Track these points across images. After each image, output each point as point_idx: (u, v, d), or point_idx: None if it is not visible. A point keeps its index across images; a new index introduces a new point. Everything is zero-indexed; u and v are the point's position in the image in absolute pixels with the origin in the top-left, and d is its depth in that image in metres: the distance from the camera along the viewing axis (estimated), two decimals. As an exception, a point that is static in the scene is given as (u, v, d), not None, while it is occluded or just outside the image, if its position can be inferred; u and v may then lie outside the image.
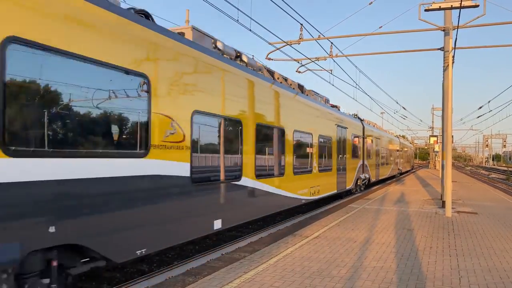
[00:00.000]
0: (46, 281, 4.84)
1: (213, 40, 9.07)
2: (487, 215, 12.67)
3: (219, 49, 9.15)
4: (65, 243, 4.90)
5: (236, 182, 8.83)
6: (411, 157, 58.08)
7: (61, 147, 4.91)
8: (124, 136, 5.97)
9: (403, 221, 11.18)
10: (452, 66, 13.44)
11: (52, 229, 4.69)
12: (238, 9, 10.52)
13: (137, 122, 6.05)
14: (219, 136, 8.37)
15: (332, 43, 17.42)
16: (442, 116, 15.94)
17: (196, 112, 7.44)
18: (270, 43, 16.90)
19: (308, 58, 18.25)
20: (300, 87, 14.57)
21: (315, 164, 14.06)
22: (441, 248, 8.01)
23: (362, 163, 21.61)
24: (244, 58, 10.15)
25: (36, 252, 4.61)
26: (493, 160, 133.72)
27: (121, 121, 5.90)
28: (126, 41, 5.90)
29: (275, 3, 10.90)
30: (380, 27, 17.08)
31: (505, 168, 79.09)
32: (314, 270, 6.34)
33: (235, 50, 9.84)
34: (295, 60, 18.27)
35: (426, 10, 13.77)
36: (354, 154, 19.96)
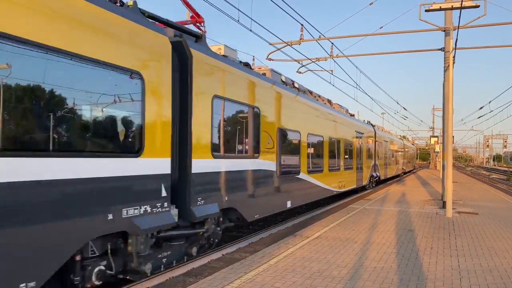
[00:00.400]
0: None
1: (282, 76, 12.36)
2: (488, 215, 12.66)
3: (283, 81, 12.31)
4: (228, 207, 8.39)
5: (297, 176, 12.24)
6: (413, 157, 62.48)
7: (231, 151, 8.70)
8: (251, 145, 9.50)
9: (403, 222, 11.18)
10: (453, 67, 13.44)
11: (225, 198, 8.28)
12: (238, 9, 10.54)
13: (256, 136, 9.65)
14: (289, 144, 11.82)
15: (332, 43, 17.43)
16: (442, 117, 15.95)
17: (279, 129, 10.96)
18: (270, 44, 16.91)
19: (309, 59, 18.26)
20: (329, 101, 17.57)
21: (342, 163, 17.31)
22: (441, 248, 8.01)
23: (374, 163, 24.96)
24: (296, 85, 13.47)
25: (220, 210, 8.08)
26: (493, 160, 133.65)
27: (250, 137, 9.46)
28: (250, 88, 9.54)
29: (275, 4, 10.92)
30: (380, 28, 17.12)
31: (506, 169, 79.04)
32: (315, 270, 6.35)
33: (291, 80, 13.15)
34: (295, 60, 18.29)
35: (426, 11, 13.78)
36: (368, 156, 23.27)
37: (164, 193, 6.47)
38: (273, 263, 6.76)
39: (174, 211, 6.80)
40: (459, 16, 11.71)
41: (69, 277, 5.30)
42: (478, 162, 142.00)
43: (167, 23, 7.40)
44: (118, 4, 5.99)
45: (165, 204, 6.51)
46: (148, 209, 6.14)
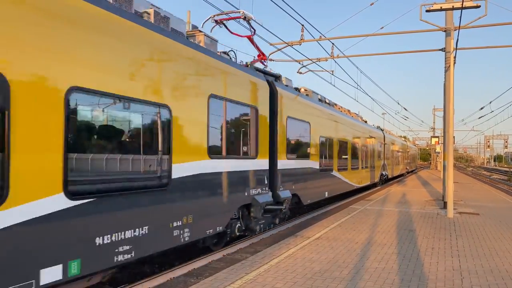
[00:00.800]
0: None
1: (318, 95, 15.62)
2: (489, 216, 12.65)
3: (319, 99, 15.62)
4: (294, 193, 11.55)
5: (331, 173, 15.63)
6: (415, 157, 67.74)
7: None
8: (306, 150, 12.94)
9: (404, 222, 11.17)
10: (454, 67, 13.43)
11: (293, 187, 11.40)
12: (239, 10, 10.53)
13: (308, 143, 13.15)
14: (326, 148, 15.10)
15: (333, 43, 17.43)
16: (443, 117, 15.93)
17: (320, 136, 14.30)
18: (271, 44, 16.91)
19: (309, 59, 18.26)
20: (349, 111, 20.97)
21: (360, 163, 20.90)
22: (442, 249, 8.00)
23: (383, 163, 28.57)
24: (327, 101, 16.70)
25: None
26: (494, 161, 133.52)
27: (305, 143, 12.98)
28: (306, 109, 13.07)
29: (276, 4, 10.92)
30: (381, 28, 17.11)
31: (507, 169, 78.94)
32: (316, 271, 6.34)
33: (324, 97, 16.32)
34: (296, 61, 18.29)
35: (427, 11, 13.77)
36: (379, 157, 26.82)
37: (266, 181, 10.10)
38: (274, 263, 6.75)
39: (270, 193, 10.26)
40: (460, 17, 11.68)
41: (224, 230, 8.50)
42: (479, 163, 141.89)
43: (263, 71, 11.12)
44: (244, 64, 10.16)
45: (267, 188, 10.14)
46: (260, 190, 9.77)
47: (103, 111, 5.52)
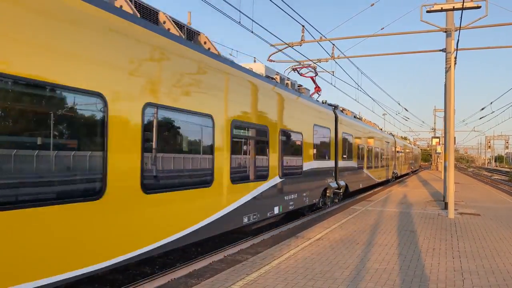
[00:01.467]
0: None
1: (354, 113, 21.90)
2: (490, 216, 12.63)
3: (354, 116, 21.42)
4: (345, 184, 17.08)
5: (363, 170, 21.28)
6: (419, 158, 74.22)
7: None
8: (352, 154, 18.83)
9: (405, 223, 11.16)
10: (454, 67, 13.42)
11: (345, 179, 17.28)
12: (239, 11, 10.54)
13: (353, 149, 18.99)
14: (360, 151, 20.42)
15: (333, 44, 17.44)
16: (444, 118, 15.92)
17: (358, 144, 19.69)
18: (271, 45, 16.91)
19: (310, 60, 18.26)
20: (370, 121, 27.05)
21: (379, 163, 26.75)
22: (444, 249, 7.99)
23: (394, 163, 34.26)
24: (358, 116, 22.56)
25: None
26: (495, 161, 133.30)
27: (351, 150, 18.82)
28: (353, 126, 19.72)
29: (276, 5, 10.93)
30: (382, 29, 17.10)
31: (508, 170, 78.80)
32: (317, 272, 6.34)
33: (357, 115, 22.94)
34: (296, 61, 18.29)
35: (428, 12, 13.77)
36: (391, 158, 32.67)
37: (333, 174, 15.81)
38: (275, 264, 6.75)
39: (335, 182, 15.86)
40: (461, 17, 11.67)
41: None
42: (479, 163, 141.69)
43: (328, 104, 16.93)
44: (323, 101, 16.48)
45: (333, 179, 15.76)
46: (331, 180, 15.41)
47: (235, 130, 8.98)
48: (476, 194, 20.73)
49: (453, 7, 13.50)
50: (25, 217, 4.32)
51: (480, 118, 35.57)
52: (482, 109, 28.29)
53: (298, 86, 14.02)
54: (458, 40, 12.45)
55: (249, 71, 9.77)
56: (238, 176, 8.70)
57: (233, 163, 8.38)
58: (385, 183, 29.24)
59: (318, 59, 18.31)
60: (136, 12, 6.47)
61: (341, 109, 18.71)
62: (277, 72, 12.42)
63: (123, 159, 5.69)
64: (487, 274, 6.34)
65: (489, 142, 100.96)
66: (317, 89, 16.34)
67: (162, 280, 6.98)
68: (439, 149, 28.89)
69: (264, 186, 9.86)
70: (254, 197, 9.39)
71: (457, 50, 13.16)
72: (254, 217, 9.42)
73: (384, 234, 9.48)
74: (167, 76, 6.60)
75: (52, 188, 4.77)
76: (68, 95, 4.99)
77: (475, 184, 30.16)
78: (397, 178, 35.69)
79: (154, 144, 6.37)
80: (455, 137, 13.90)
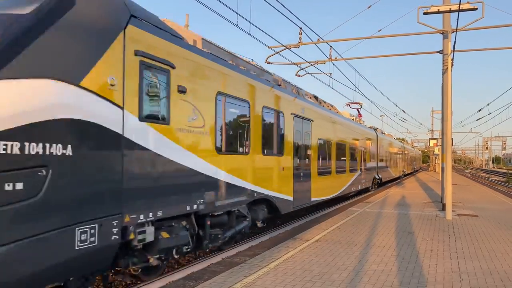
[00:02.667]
0: None
1: (380, 130, 33.10)
2: (488, 217, 12.66)
3: (375, 130, 28.30)
4: (379, 178, 27.54)
5: (387, 168, 31.51)
6: (419, 159, 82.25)
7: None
8: (382, 159, 30.09)
9: (403, 224, 11.17)
10: (452, 69, 13.47)
11: (380, 174, 28.59)
12: (237, 13, 10.57)
13: (383, 155, 30.25)
14: (385, 156, 30.80)
15: (331, 46, 17.48)
16: (441, 119, 15.97)
17: (385, 150, 30.47)
18: (269, 47, 16.93)
19: (308, 62, 18.30)
20: (389, 134, 37.60)
21: (393, 164, 34.87)
22: (441, 251, 8.00)
23: (403, 164, 43.61)
24: (385, 132, 35.04)
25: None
26: (493, 162, 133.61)
27: (383, 156, 30.20)
28: (386, 139, 33.25)
29: (274, 7, 10.95)
30: (379, 30, 17.18)
31: (505, 171, 79.01)
32: (315, 273, 6.34)
33: (382, 131, 34.48)
34: (294, 64, 18.32)
35: (425, 13, 13.82)
36: (401, 160, 41.62)
37: (376, 170, 26.13)
38: (273, 266, 6.75)
39: (377, 176, 26.33)
40: (457, 19, 11.72)
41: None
42: (477, 164, 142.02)
43: (370, 126, 27.94)
44: (370, 126, 28.33)
45: (376, 173, 25.98)
46: (375, 173, 25.98)
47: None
48: (473, 196, 20.78)
49: (450, 9, 13.55)
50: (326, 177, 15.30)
51: (478, 120, 35.77)
52: (479, 110, 28.40)
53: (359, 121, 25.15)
54: (455, 41, 12.47)
55: (354, 122, 21.58)
56: (350, 169, 19.04)
57: (350, 164, 19.01)
58: (398, 178, 38.34)
59: (315, 61, 18.35)
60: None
61: (374, 128, 29.03)
62: (352, 114, 23.54)
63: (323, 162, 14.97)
64: (485, 275, 6.35)
65: (487, 143, 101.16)
66: (360, 116, 26.66)
67: (160, 283, 6.96)
68: (437, 150, 32.39)
69: (356, 175, 20.22)
70: (353, 180, 19.55)
71: (454, 51, 13.19)
72: (354, 189, 19.79)
73: (382, 236, 9.48)
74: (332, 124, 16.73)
75: (347, 167, 18.66)
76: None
77: (473, 186, 30.23)
78: (405, 175, 46.53)
79: (325, 154, 15.28)
80: (452, 139, 13.94)
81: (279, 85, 11.89)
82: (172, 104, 6.68)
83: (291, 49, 16.67)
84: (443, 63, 15.12)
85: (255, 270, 6.53)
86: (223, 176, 8.17)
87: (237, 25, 10.86)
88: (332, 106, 18.61)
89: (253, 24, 11.32)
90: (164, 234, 6.66)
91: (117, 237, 5.52)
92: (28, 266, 4.48)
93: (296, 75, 19.81)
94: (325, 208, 16.05)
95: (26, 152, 4.42)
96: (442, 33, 14.98)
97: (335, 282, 5.90)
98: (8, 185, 4.25)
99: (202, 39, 8.52)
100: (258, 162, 9.78)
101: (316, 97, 16.21)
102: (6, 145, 4.23)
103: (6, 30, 4.61)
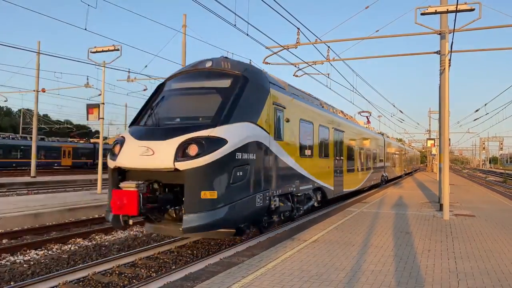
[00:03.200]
0: None
1: (387, 135, 41.09)
2: (485, 217, 12.70)
3: (382, 135, 32.65)
4: (387, 175, 32.58)
5: (393, 167, 35.87)
6: (418, 160, 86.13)
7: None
8: (387, 159, 33.36)
9: (401, 224, 11.19)
10: (449, 69, 13.50)
11: (386, 174, 31.99)
12: (235, 13, 10.58)
13: (396, 157, 39.49)
14: (391, 157, 35.19)
15: (329, 47, 17.48)
16: (439, 119, 16.01)
17: (391, 153, 35.60)
18: (267, 47, 16.94)
19: (305, 62, 18.31)
20: (395, 138, 51.47)
21: (399, 164, 40.36)
22: (439, 251, 8.02)
23: (404, 164, 47.33)
24: (382, 134, 34.53)
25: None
26: (490, 163, 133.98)
27: (391, 159, 36.12)
28: (402, 149, 46.62)
29: (272, 8, 10.96)
30: (377, 31, 17.21)
31: (502, 171, 79.28)
32: (313, 274, 6.34)
33: (389, 136, 42.82)
34: (292, 64, 18.33)
35: (422, 14, 13.84)
36: (403, 161, 45.72)
37: (383, 170, 29.88)
38: (271, 266, 6.74)
39: (384, 173, 30.67)
40: (455, 20, 11.73)
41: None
42: (474, 165, 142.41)
43: (378, 131, 33.12)
44: (378, 131, 34.17)
45: (384, 172, 30.18)
46: (383, 172, 29.95)
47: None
48: (471, 196, 20.83)
49: (447, 9, 13.59)
50: (356, 173, 20.64)
51: (475, 120, 35.90)
52: (477, 110, 28.56)
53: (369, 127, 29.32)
54: (452, 42, 12.53)
55: (368, 129, 26.08)
56: (366, 168, 22.79)
57: (366, 163, 22.54)
58: (400, 176, 42.16)
59: (313, 61, 18.36)
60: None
61: (382, 133, 32.78)
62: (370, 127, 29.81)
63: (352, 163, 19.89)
64: (482, 275, 6.36)
65: (484, 143, 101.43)
66: (368, 122, 30.17)
67: (157, 283, 6.95)
68: (434, 150, 33.70)
69: (370, 173, 23.66)
70: (368, 177, 23.15)
71: (451, 52, 13.25)
72: (368, 184, 23.24)
73: (380, 236, 9.50)
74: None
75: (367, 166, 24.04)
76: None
77: (470, 186, 30.31)
78: (407, 174, 50.43)
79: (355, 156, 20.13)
80: (450, 139, 13.97)
81: (322, 106, 15.98)
82: (284, 129, 10.72)
83: (289, 50, 16.68)
84: (440, 64, 15.16)
85: (253, 270, 6.52)
86: (302, 171, 12.25)
87: (235, 25, 10.87)
88: (351, 117, 23.83)
89: (251, 25, 11.34)
90: (281, 203, 10.72)
91: (267, 202, 9.56)
92: (242, 212, 8.57)
93: (294, 75, 19.84)
94: (323, 208, 16.06)
95: (244, 157, 8.51)
96: (440, 34, 15.02)
97: (333, 282, 5.91)
98: (238, 173, 8.35)
99: (288, 85, 12.42)
100: (316, 163, 13.88)
101: (342, 111, 20.53)
102: (238, 154, 8.35)
103: (225, 96, 8.88)
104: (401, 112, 39.28)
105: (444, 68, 13.79)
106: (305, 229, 10.28)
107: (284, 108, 10.70)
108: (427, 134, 60.10)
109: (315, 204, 14.01)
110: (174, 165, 7.86)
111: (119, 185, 8.22)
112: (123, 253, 9.43)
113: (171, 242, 10.59)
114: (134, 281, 7.71)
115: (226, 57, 10.21)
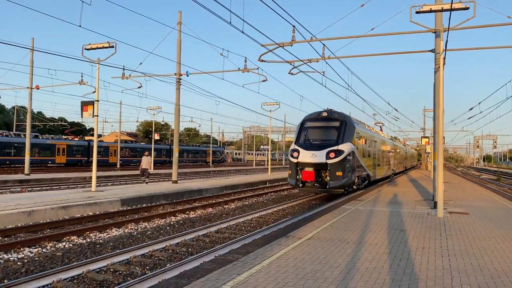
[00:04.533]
0: None
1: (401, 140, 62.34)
2: (479, 215, 12.78)
3: (392, 140, 44.64)
4: (394, 170, 42.05)
5: (398, 164, 43.02)
6: (415, 157, 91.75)
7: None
8: (393, 159, 41.21)
9: (395, 222, 11.24)
10: (443, 68, 13.56)
11: (394, 169, 41.22)
12: (230, 11, 10.55)
13: (404, 157, 52.99)
14: (396, 156, 42.12)
15: (324, 45, 17.49)
16: (433, 118, 16.09)
17: (396, 155, 44.71)
18: (262, 45, 16.91)
19: (301, 60, 18.32)
20: (404, 143, 68.98)
21: (400, 161, 46.70)
22: (433, 248, 8.07)
23: (405, 161, 54.43)
24: (391, 138, 46.73)
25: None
26: (484, 161, 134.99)
27: (397, 159, 44.24)
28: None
29: (267, 5, 10.94)
30: (372, 29, 17.21)
31: (496, 169, 79.90)
32: (308, 271, 6.35)
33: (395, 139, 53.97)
34: (287, 62, 18.34)
35: (417, 12, 13.87)
36: (404, 158, 52.51)
37: (392, 167, 38.52)
38: (266, 264, 6.75)
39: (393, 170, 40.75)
40: (449, 18, 11.77)
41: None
42: (468, 163, 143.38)
43: (393, 137, 51.84)
44: (391, 137, 49.20)
45: (392, 168, 39.29)
46: (392, 168, 38.84)
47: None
48: (465, 193, 20.97)
49: (442, 8, 13.62)
50: (385, 166, 32.71)
51: (469, 118, 36.13)
52: (471, 109, 28.72)
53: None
54: (446, 40, 12.56)
55: (384, 137, 34.73)
56: (386, 164, 32.25)
57: (384, 161, 31.71)
58: (403, 171, 50.11)
59: (308, 59, 18.37)
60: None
61: (389, 137, 38.44)
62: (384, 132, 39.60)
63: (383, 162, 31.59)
64: (475, 272, 6.41)
65: (478, 141, 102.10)
66: (381, 130, 36.53)
67: (152, 281, 6.94)
68: (429, 148, 34.67)
69: (387, 168, 32.20)
70: (386, 171, 32.09)
71: (446, 50, 13.29)
72: (387, 174, 32.61)
73: (374, 233, 9.54)
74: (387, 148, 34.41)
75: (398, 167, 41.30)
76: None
77: (464, 183, 30.51)
78: (406, 170, 56.69)
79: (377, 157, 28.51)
80: (444, 137, 14.05)
81: (367, 127, 26.20)
82: (358, 144, 19.90)
83: (284, 47, 16.67)
84: (435, 62, 15.22)
85: (248, 267, 6.53)
86: (363, 165, 21.76)
87: (230, 22, 10.84)
88: (373, 128, 31.59)
89: (246, 22, 11.32)
90: (357, 180, 20.76)
91: (354, 178, 19.92)
92: (348, 182, 19.05)
93: (289, 73, 19.83)
94: (318, 206, 16.11)
95: (348, 158, 18.75)
96: (434, 32, 15.08)
97: (328, 279, 5.92)
98: (347, 165, 18.60)
99: (357, 120, 20.67)
100: (367, 161, 23.25)
101: (369, 126, 29.05)
102: (347, 157, 18.68)
103: (339, 130, 19.29)
104: (396, 110, 39.40)
105: (439, 67, 13.84)
106: (300, 227, 10.30)
107: (358, 133, 20.41)
108: (422, 132, 60.39)
109: (365, 183, 23.57)
110: (326, 161, 18.13)
111: (304, 169, 18.47)
112: (118, 251, 9.41)
113: (165, 240, 10.58)
114: (129, 278, 7.70)
115: (331, 109, 20.40)
